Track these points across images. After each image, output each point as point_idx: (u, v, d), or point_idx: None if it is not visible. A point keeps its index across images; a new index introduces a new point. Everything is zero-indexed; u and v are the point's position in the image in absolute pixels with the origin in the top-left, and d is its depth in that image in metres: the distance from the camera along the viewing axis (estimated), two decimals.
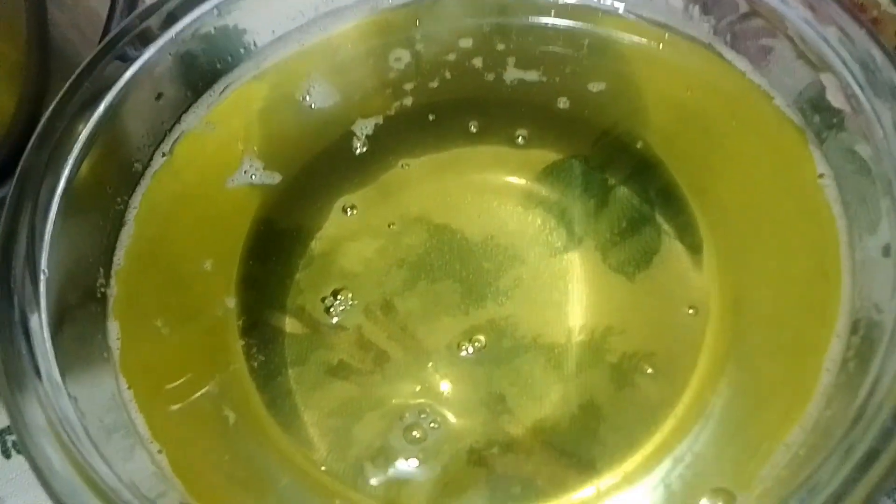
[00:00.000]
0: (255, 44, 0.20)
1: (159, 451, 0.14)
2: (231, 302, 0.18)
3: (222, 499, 0.14)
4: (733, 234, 0.18)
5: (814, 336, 0.15)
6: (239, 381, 0.17)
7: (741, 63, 0.19)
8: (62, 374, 0.13)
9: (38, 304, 0.14)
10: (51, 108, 0.17)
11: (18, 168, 0.16)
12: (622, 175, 0.21)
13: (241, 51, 0.20)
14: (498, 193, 0.21)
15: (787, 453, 0.13)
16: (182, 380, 0.16)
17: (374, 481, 0.17)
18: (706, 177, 0.19)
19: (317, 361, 0.19)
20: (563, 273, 0.20)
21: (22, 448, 0.12)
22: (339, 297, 0.19)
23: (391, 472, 0.18)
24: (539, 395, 0.19)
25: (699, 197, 0.19)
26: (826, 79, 0.17)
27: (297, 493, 0.16)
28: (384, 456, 0.18)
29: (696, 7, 0.20)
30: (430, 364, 0.19)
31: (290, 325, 0.19)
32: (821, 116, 0.18)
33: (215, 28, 0.19)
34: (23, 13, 0.19)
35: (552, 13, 0.21)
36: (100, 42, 0.19)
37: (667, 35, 0.19)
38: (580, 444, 0.18)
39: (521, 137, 0.20)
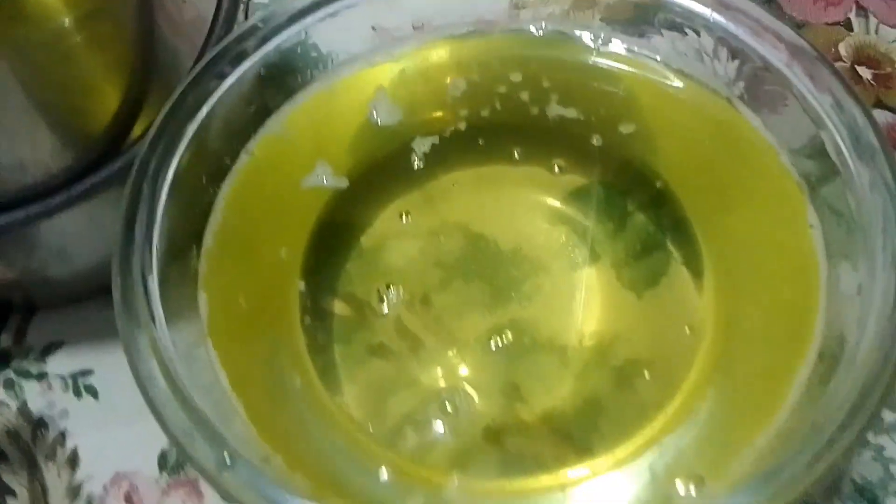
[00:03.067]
0: (332, 61, 0.23)
1: (238, 402, 0.17)
2: (301, 285, 0.21)
3: (286, 445, 0.17)
4: (732, 266, 0.21)
5: (789, 360, 0.18)
6: (303, 356, 0.20)
7: (755, 120, 0.21)
8: (168, 324, 0.17)
9: (152, 272, 0.17)
10: (162, 114, 0.20)
11: (137, 162, 0.19)
12: (640, 202, 0.24)
13: (320, 66, 0.23)
14: (530, 210, 0.24)
15: (754, 453, 0.16)
16: (256, 346, 0.19)
17: (401, 445, 0.20)
18: (714, 215, 0.22)
19: (360, 341, 0.22)
20: (580, 285, 0.23)
21: (135, 374, 0.16)
22: (391, 288, 0.22)
23: (416, 439, 0.21)
24: (550, 388, 0.22)
25: (706, 231, 0.22)
26: (824, 136, 0.20)
27: (344, 449, 0.19)
28: (412, 425, 0.21)
29: (724, 53, 0.23)
30: (459, 353, 0.22)
31: (339, 307, 0.23)
32: (817, 170, 0.20)
33: (300, 49, 0.22)
34: (134, 19, 0.22)
35: (593, 54, 0.24)
36: (200, 53, 0.22)
37: (691, 86, 0.22)
38: (582, 432, 0.21)
39: (557, 167, 0.23)
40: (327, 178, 0.22)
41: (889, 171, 0.18)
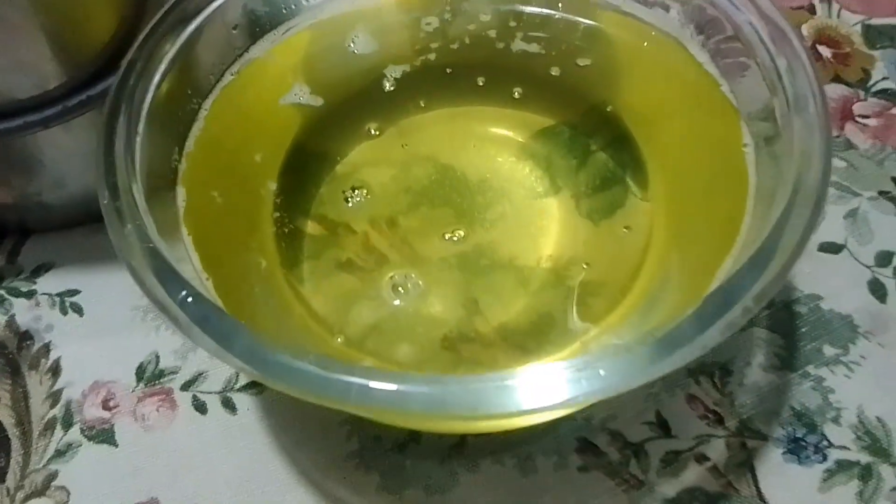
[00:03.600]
0: None
1: (207, 279, 0.19)
2: (272, 186, 0.22)
3: (251, 318, 0.19)
4: (678, 188, 0.23)
5: (718, 260, 0.19)
6: (270, 244, 0.22)
7: (700, 56, 0.23)
8: (153, 219, 0.18)
9: (135, 173, 0.19)
10: (151, 24, 0.22)
11: (122, 68, 0.21)
12: (603, 143, 0.25)
13: (304, 2, 0.25)
14: (497, 145, 0.26)
15: None
16: (227, 232, 0.21)
17: (361, 347, 0.22)
18: (660, 137, 0.23)
19: (329, 257, 0.24)
20: (541, 213, 0.24)
21: (127, 264, 0.17)
22: (356, 191, 0.23)
23: (375, 344, 0.22)
24: (507, 304, 0.23)
25: (653, 154, 0.23)
26: (775, 101, 0.21)
27: (303, 332, 0.21)
28: (376, 330, 0.22)
29: (692, 25, 0.25)
30: (422, 268, 0.23)
31: (311, 227, 0.24)
32: (768, 131, 0.21)
33: None
34: None
35: (559, 6, 0.25)
36: None
37: (645, 28, 0.24)
38: (533, 342, 0.22)
39: (517, 93, 0.25)
40: (303, 97, 0.23)
41: (818, 120, 0.19)
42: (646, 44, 0.24)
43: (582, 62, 0.24)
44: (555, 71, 0.24)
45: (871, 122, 0.30)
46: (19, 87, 0.23)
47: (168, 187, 0.20)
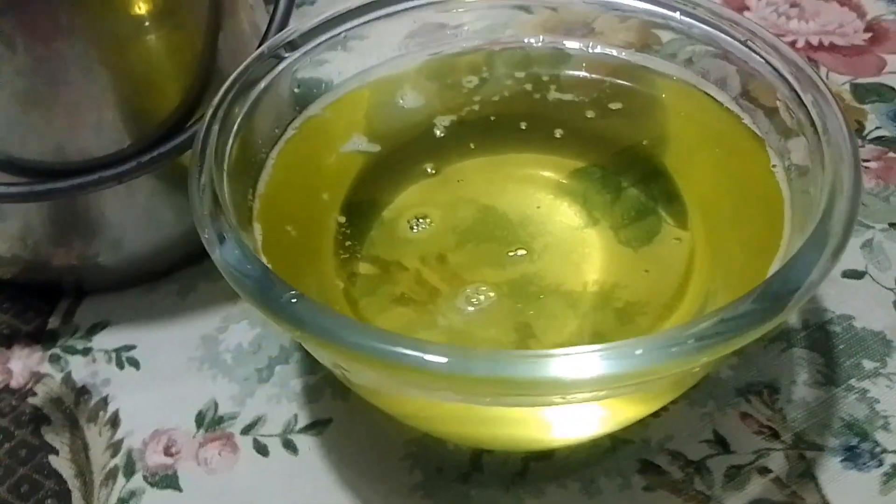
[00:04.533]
0: (365, 63, 0.27)
1: None
2: (341, 219, 0.24)
3: None
4: (716, 213, 0.24)
5: (760, 278, 0.20)
6: (339, 271, 0.23)
7: (720, 95, 0.25)
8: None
9: (225, 211, 0.20)
10: (223, 88, 0.24)
11: (203, 125, 0.23)
12: (633, 180, 0.27)
13: (356, 65, 0.27)
14: (536, 185, 0.27)
15: None
16: (303, 260, 0.22)
17: None
18: (695, 175, 0.25)
19: (384, 292, 0.25)
20: (583, 242, 0.26)
21: (235, 284, 0.19)
22: (419, 220, 0.25)
23: None
24: (559, 327, 0.24)
25: (686, 186, 0.25)
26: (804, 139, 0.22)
27: None
28: None
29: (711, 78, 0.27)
30: (473, 298, 0.24)
31: (364, 268, 0.25)
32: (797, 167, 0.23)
33: (341, 47, 0.26)
34: (204, 24, 0.26)
35: (583, 66, 0.28)
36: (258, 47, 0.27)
37: (659, 75, 0.26)
38: None
39: (558, 133, 0.27)
40: (362, 145, 0.26)
41: (848, 147, 0.21)
42: (664, 95, 0.27)
43: (613, 106, 0.27)
44: (589, 114, 0.27)
45: (872, 164, 0.33)
46: (98, 147, 0.25)
47: (247, 223, 0.22)
